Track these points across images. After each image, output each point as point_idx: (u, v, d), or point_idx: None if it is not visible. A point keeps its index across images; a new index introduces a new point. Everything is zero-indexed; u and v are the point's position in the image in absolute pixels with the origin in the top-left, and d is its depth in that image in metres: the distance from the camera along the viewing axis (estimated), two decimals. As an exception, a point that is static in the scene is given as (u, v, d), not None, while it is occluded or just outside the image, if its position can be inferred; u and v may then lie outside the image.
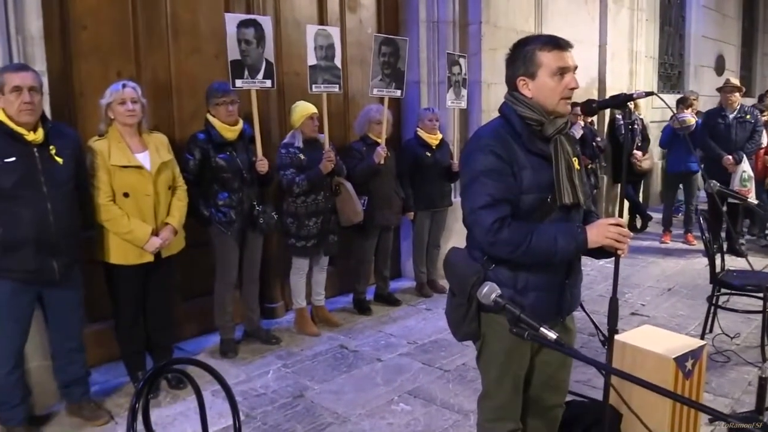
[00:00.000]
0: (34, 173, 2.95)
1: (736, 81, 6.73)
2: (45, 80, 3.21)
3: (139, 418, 1.67)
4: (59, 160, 3.05)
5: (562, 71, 2.02)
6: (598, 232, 2.00)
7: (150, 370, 1.78)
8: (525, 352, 2.17)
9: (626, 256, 2.12)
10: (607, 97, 7.14)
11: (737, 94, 6.50)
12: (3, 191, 2.89)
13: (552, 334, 1.43)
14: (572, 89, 2.04)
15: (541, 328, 1.44)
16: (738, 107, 6.47)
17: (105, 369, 3.82)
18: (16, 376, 3.10)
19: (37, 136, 2.97)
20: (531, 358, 2.20)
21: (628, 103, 2.13)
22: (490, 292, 1.56)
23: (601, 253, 2.08)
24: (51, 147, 3.03)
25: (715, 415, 1.37)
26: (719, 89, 6.75)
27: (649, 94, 2.10)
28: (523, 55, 2.06)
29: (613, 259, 2.10)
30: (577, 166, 2.11)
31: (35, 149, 2.97)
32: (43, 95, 3.09)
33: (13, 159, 2.90)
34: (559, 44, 2.05)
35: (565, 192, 2.04)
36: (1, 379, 3.06)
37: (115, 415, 3.38)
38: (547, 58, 2.02)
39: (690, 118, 7.11)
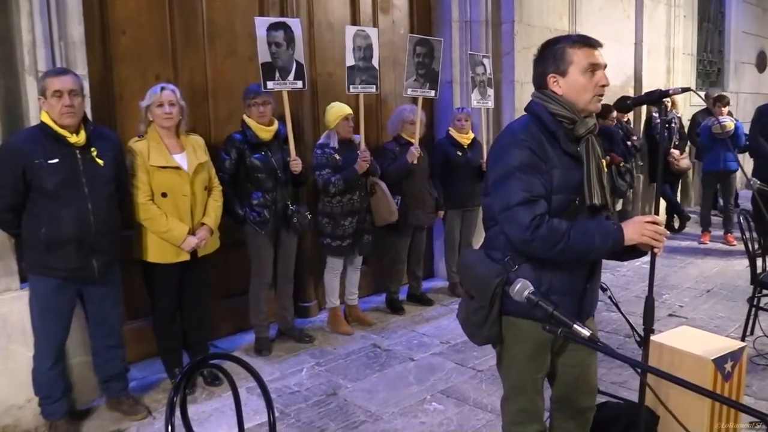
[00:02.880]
0: (76, 174, 3.04)
1: None
2: (86, 84, 3.31)
3: (177, 413, 1.71)
4: (100, 161, 3.13)
5: (594, 68, 2.01)
6: (634, 230, 1.97)
7: (187, 365, 1.82)
8: (545, 355, 2.16)
9: (662, 255, 2.09)
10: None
11: None
12: (46, 191, 2.98)
13: (585, 331, 1.42)
14: (603, 86, 2.02)
15: (575, 326, 1.43)
16: None
17: (143, 365, 3.91)
18: (57, 371, 3.19)
19: (80, 138, 3.05)
20: (552, 361, 2.19)
21: (664, 101, 2.09)
22: (522, 289, 1.55)
23: (630, 253, 2.05)
24: (92, 149, 3.11)
25: (756, 415, 1.34)
26: None
27: (685, 90, 2.07)
28: (553, 53, 2.05)
29: (649, 258, 2.08)
30: (605, 167, 2.09)
31: (77, 151, 3.05)
32: (85, 98, 3.18)
33: (57, 160, 2.99)
34: (589, 42, 2.05)
35: (595, 193, 2.02)
36: (43, 374, 3.15)
37: (152, 410, 3.45)
38: (577, 56, 2.01)
39: (730, 122, 6.93)
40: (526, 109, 2.13)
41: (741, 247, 6.68)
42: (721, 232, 7.26)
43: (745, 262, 5.96)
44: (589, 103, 2.02)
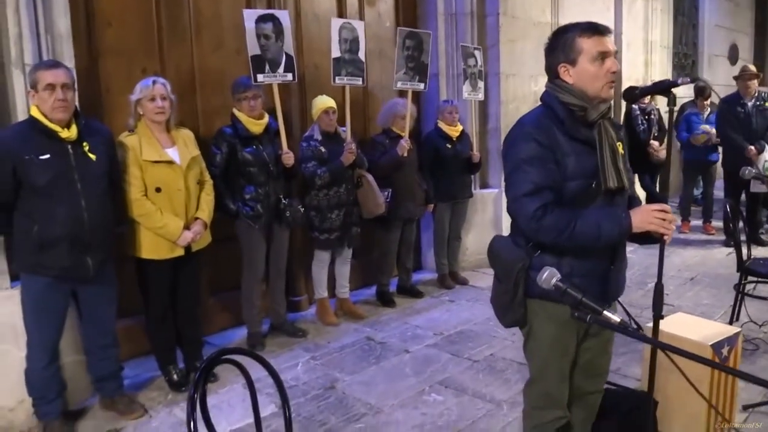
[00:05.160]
0: (68, 170, 2.96)
1: (753, 68, 6.64)
2: (73, 77, 3.24)
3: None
4: (92, 156, 3.06)
5: (603, 56, 2.02)
6: (642, 218, 2.01)
7: (205, 361, 1.80)
8: (571, 339, 2.18)
9: (669, 242, 2.12)
10: (623, 86, 7.11)
11: (755, 81, 6.44)
12: (38, 189, 2.90)
13: (616, 318, 1.44)
14: (614, 73, 2.04)
15: (605, 312, 1.44)
16: (756, 94, 6.41)
17: (135, 363, 3.85)
18: (52, 371, 3.13)
19: (71, 132, 2.97)
20: (577, 345, 2.21)
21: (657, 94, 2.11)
22: (550, 276, 1.56)
23: (645, 238, 2.09)
24: (84, 143, 3.03)
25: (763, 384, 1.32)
26: (736, 77, 6.68)
27: (693, 80, 2.11)
28: (562, 43, 2.07)
29: (654, 245, 2.12)
30: (621, 150, 2.11)
31: (69, 146, 2.97)
32: (75, 92, 3.10)
33: (48, 156, 2.91)
34: (598, 29, 2.06)
35: (610, 176, 2.05)
36: (37, 374, 3.09)
37: (148, 409, 3.41)
38: (587, 44, 2.03)
39: (703, 135, 6.94)
40: (540, 99, 2.15)
41: (719, 236, 6.84)
42: (700, 222, 7.40)
43: (725, 250, 6.10)
44: (601, 91, 2.04)
